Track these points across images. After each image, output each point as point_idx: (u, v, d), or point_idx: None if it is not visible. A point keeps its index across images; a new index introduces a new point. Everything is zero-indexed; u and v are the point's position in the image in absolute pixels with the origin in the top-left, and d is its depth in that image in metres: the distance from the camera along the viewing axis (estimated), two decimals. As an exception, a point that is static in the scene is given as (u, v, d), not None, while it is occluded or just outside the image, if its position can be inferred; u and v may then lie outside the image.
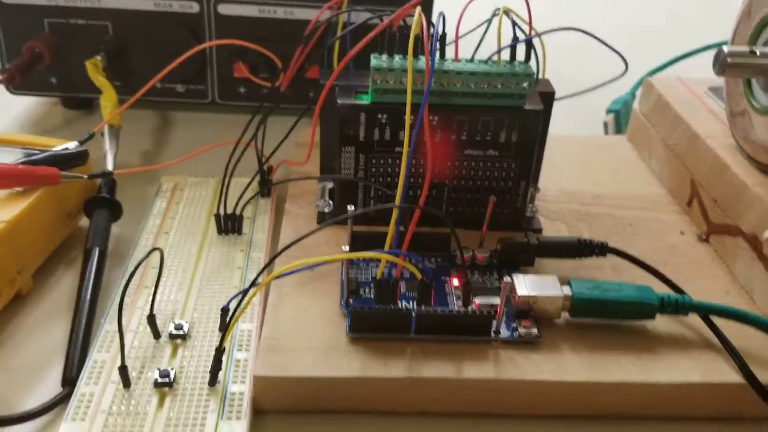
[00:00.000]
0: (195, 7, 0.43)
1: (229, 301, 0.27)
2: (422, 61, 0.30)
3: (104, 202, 0.33)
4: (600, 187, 0.38)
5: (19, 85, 0.43)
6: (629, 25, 0.66)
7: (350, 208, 0.29)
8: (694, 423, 0.26)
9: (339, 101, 0.31)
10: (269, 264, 0.27)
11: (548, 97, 0.33)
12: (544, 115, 0.32)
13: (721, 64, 0.31)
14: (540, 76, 0.34)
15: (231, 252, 0.32)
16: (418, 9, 0.29)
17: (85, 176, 0.32)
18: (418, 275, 0.27)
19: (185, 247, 0.32)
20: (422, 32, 0.29)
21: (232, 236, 0.34)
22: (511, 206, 0.33)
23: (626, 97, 0.50)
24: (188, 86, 0.45)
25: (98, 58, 0.42)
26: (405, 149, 0.27)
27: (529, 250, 0.31)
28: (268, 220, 0.35)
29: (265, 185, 0.37)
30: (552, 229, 0.35)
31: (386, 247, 0.26)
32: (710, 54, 0.50)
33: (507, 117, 0.31)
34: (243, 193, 0.34)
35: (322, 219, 0.34)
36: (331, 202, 0.34)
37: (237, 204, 0.33)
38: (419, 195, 0.29)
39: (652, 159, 0.40)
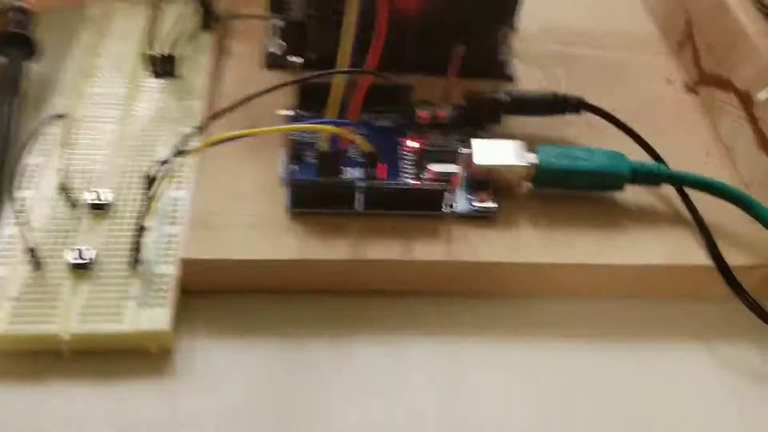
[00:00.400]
0: None
1: (155, 168, 0.24)
2: None
3: (17, 38, 0.29)
4: (584, 22, 0.34)
5: None
6: None
7: (294, 59, 0.25)
8: (657, 301, 0.25)
9: None
10: (205, 126, 0.24)
11: None
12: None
13: None
14: None
15: (163, 102, 0.29)
16: None
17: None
18: (365, 148, 0.24)
19: (112, 94, 0.29)
20: None
21: (165, 81, 0.30)
22: (483, 49, 0.30)
23: None
24: None
25: None
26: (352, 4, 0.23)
27: (497, 108, 0.27)
28: (208, 61, 0.31)
29: (209, 17, 0.32)
30: (527, 75, 0.31)
31: (329, 115, 0.23)
32: None
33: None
34: (193, 30, 0.29)
35: (270, 63, 0.30)
36: (283, 42, 0.30)
37: (172, 41, 0.29)
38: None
39: (646, -10, 0.36)
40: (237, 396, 0.21)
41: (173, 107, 0.29)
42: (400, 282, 0.24)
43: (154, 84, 0.30)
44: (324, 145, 0.24)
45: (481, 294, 0.24)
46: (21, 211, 0.23)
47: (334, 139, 0.24)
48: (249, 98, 0.23)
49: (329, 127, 0.23)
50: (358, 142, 0.23)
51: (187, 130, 0.26)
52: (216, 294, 0.23)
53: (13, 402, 0.21)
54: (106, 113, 0.28)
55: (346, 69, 0.23)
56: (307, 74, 0.26)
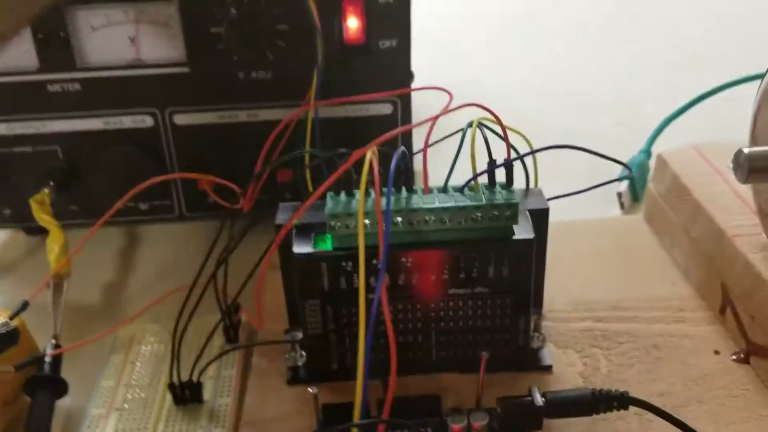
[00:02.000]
0: (149, 121, 0.39)
1: None
2: (383, 203, 0.25)
3: (47, 381, 0.29)
4: (617, 291, 0.33)
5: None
6: (629, 77, 0.60)
7: (311, 390, 0.25)
8: None
9: (296, 251, 0.27)
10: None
11: (541, 215, 0.28)
12: (538, 239, 0.27)
13: (743, 170, 0.26)
14: (531, 185, 0.30)
15: (193, 425, 0.28)
16: (370, 152, 0.24)
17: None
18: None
19: (142, 420, 0.28)
20: (374, 176, 0.24)
21: (192, 407, 0.29)
22: (512, 345, 0.29)
23: (641, 157, 0.45)
24: (152, 203, 0.41)
25: (45, 191, 0.38)
26: (362, 329, 0.23)
27: (535, 413, 0.26)
28: (233, 380, 0.30)
29: (231, 329, 0.32)
30: (563, 361, 0.30)
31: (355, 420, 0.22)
32: (725, 95, 0.45)
33: (493, 250, 0.27)
34: (200, 354, 0.29)
35: (295, 375, 0.30)
36: (303, 354, 0.30)
37: (192, 369, 0.29)
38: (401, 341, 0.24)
39: (675, 248, 0.35)
40: None
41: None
42: None
43: (180, 411, 0.29)
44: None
45: None
46: None
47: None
48: None
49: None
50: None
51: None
52: None
53: None
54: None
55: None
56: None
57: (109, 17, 0.36)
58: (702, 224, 0.32)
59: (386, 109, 0.39)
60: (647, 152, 0.46)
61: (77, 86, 0.38)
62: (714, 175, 0.35)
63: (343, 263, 0.27)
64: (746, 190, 0.32)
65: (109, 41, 0.37)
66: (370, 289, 0.27)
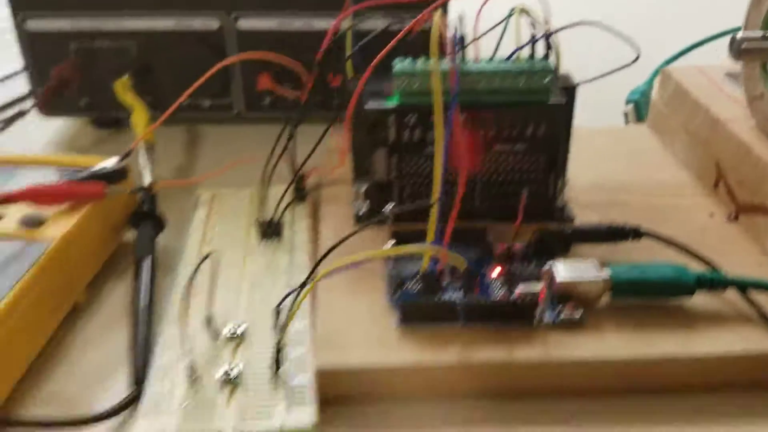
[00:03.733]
0: (215, 24, 0.45)
1: (282, 301, 0.29)
2: (445, 63, 0.31)
3: (149, 216, 0.35)
4: (627, 176, 0.40)
5: (50, 108, 0.46)
6: (640, 15, 0.67)
7: (389, 206, 0.31)
8: (733, 392, 0.28)
9: (367, 106, 0.33)
10: (320, 261, 0.29)
11: (570, 91, 0.35)
12: (568, 108, 0.34)
13: (737, 50, 0.33)
14: (558, 71, 0.36)
15: (274, 257, 0.34)
16: (438, 11, 0.31)
17: (128, 190, 0.34)
18: (463, 266, 0.29)
19: (230, 255, 0.34)
20: (443, 34, 0.31)
21: (273, 241, 0.35)
22: (542, 198, 0.35)
23: (644, 87, 0.52)
24: (214, 100, 0.47)
25: (126, 78, 0.44)
26: (437, 148, 0.29)
27: (565, 238, 0.32)
28: (306, 224, 0.37)
29: (301, 191, 0.38)
30: (584, 218, 0.36)
31: (429, 241, 0.28)
32: (723, 41, 0.51)
33: (532, 112, 0.33)
34: (281, 199, 0.36)
35: (359, 220, 0.36)
36: (367, 202, 0.36)
37: (276, 210, 0.35)
38: (453, 190, 0.30)
39: (675, 145, 0.42)
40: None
41: (282, 261, 0.34)
42: (500, 385, 0.27)
43: (264, 245, 0.35)
44: (426, 267, 0.29)
45: (578, 393, 0.28)
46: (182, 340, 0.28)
47: (433, 262, 0.29)
48: (349, 236, 0.28)
49: (431, 248, 0.28)
50: (456, 260, 0.28)
51: (297, 277, 0.32)
52: (346, 400, 0.27)
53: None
54: (228, 271, 0.33)
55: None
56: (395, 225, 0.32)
57: None
58: (700, 117, 0.39)
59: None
60: (649, 84, 0.53)
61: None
62: (711, 84, 0.42)
63: (407, 118, 0.33)
64: (739, 96, 0.39)
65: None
66: (427, 143, 0.34)
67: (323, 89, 0.41)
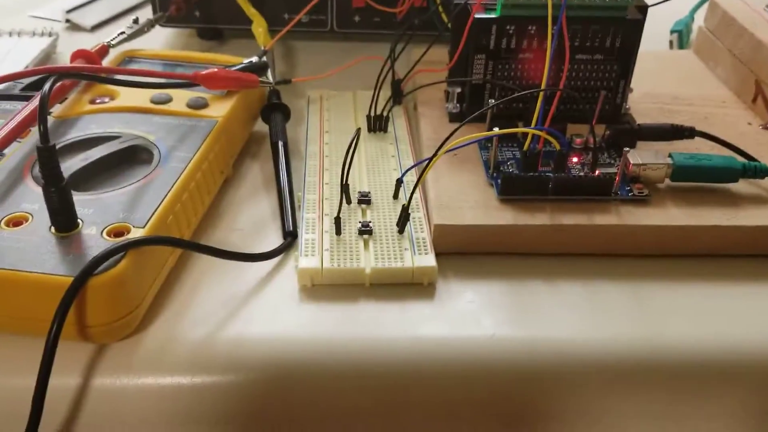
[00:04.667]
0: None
1: (405, 173, 0.34)
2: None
3: (279, 107, 0.40)
4: (676, 90, 0.44)
5: (174, 19, 0.50)
6: None
7: (491, 101, 0.36)
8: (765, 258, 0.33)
9: (476, 15, 0.37)
10: (441, 146, 0.33)
11: (643, 9, 0.39)
12: (641, 24, 0.38)
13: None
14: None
15: (383, 145, 0.39)
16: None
17: (273, 82, 0.39)
18: (557, 146, 0.33)
19: (346, 142, 0.39)
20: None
21: (379, 134, 0.40)
22: (612, 102, 0.40)
23: (686, 18, 0.56)
24: (311, 17, 0.52)
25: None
26: (548, 47, 0.34)
27: (633, 134, 0.37)
28: (404, 122, 0.41)
29: (399, 94, 0.43)
30: (641, 122, 0.41)
31: (533, 125, 0.33)
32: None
33: (612, 26, 0.38)
34: (388, 101, 0.40)
35: (452, 118, 0.41)
36: (458, 104, 0.41)
37: (381, 109, 0.40)
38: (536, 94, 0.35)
39: (719, 68, 0.46)
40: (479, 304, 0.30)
41: (390, 149, 0.39)
42: (584, 244, 0.33)
43: (372, 136, 0.40)
44: (527, 147, 0.34)
45: (644, 254, 0.33)
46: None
47: (534, 141, 0.34)
48: (455, 130, 0.33)
49: (533, 130, 0.33)
50: (554, 141, 0.33)
51: (405, 161, 0.36)
52: (456, 255, 0.32)
53: (335, 313, 0.29)
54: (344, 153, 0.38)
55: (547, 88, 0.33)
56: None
57: None
58: (744, 41, 0.44)
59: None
60: (691, 16, 0.57)
61: None
62: (754, 12, 0.46)
63: (508, 27, 0.38)
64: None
65: None
66: (521, 50, 0.38)
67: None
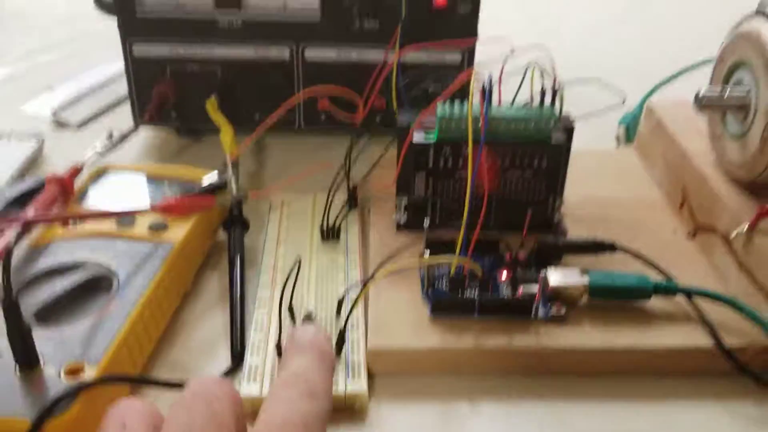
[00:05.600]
0: (286, 54, 0.52)
1: (344, 294, 0.37)
2: (476, 109, 0.38)
3: (238, 220, 0.42)
4: (613, 193, 0.47)
5: (151, 119, 0.53)
6: (631, 51, 0.73)
7: (426, 221, 0.38)
8: (678, 378, 0.35)
9: (414, 141, 0.40)
10: (376, 271, 0.36)
11: (569, 132, 0.41)
12: (566, 146, 0.41)
13: (699, 104, 0.39)
14: (561, 115, 0.43)
15: (334, 255, 0.42)
16: (474, 73, 0.37)
17: (229, 200, 0.41)
18: (479, 272, 0.36)
19: (300, 252, 0.42)
20: (475, 94, 0.37)
21: (332, 241, 0.43)
22: (543, 214, 0.42)
23: (633, 112, 0.58)
24: (281, 116, 0.54)
25: (213, 98, 0.51)
26: (468, 181, 0.36)
27: (558, 249, 0.39)
28: (357, 228, 0.44)
29: (353, 201, 0.45)
30: (576, 230, 0.43)
31: (456, 253, 0.35)
32: (705, 68, 0.57)
33: (538, 149, 0.40)
34: (341, 210, 0.43)
35: (399, 228, 0.43)
36: (406, 213, 0.43)
37: (336, 217, 0.43)
38: (477, 207, 0.37)
39: (654, 169, 0.49)
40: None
41: (340, 259, 0.41)
42: (506, 365, 0.35)
43: (325, 244, 0.42)
44: (453, 272, 0.36)
45: (562, 372, 0.35)
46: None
47: (459, 268, 0.36)
48: (387, 260, 0.35)
49: (457, 259, 0.35)
50: (475, 268, 0.35)
51: (352, 272, 0.39)
52: (389, 375, 0.35)
53: None
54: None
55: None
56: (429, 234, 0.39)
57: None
58: (674, 150, 0.46)
59: (456, 57, 0.52)
60: (639, 108, 0.59)
61: (239, 23, 0.50)
62: (686, 118, 0.48)
63: (444, 150, 0.40)
64: (703, 127, 0.45)
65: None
66: (458, 169, 0.41)
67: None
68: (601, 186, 0.47)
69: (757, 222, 0.37)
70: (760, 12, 0.38)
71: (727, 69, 0.40)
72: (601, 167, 0.50)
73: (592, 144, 0.53)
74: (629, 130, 0.56)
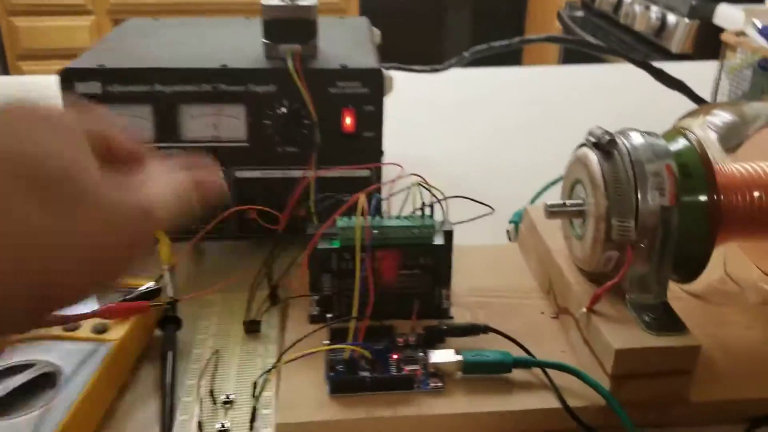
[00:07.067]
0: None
1: (258, 378, 0.42)
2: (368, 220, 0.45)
3: (172, 320, 0.48)
4: (495, 283, 0.53)
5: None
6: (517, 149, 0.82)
7: (328, 316, 0.44)
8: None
9: (319, 247, 0.47)
10: (281, 356, 0.42)
11: (448, 235, 0.48)
12: (447, 247, 0.48)
13: (547, 212, 0.47)
14: (442, 221, 0.50)
15: (254, 346, 0.47)
16: (363, 196, 0.44)
17: (163, 304, 0.47)
18: (368, 355, 0.42)
19: (225, 344, 0.47)
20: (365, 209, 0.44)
21: (254, 335, 0.48)
22: (431, 303, 0.49)
23: (521, 211, 0.66)
24: (216, 225, 0.61)
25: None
26: (356, 282, 0.43)
27: (442, 333, 0.46)
28: (278, 321, 0.50)
29: (275, 298, 0.52)
30: (460, 314, 0.49)
31: (349, 340, 0.42)
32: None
33: (423, 250, 0.47)
34: (267, 305, 0.49)
35: (312, 320, 0.49)
36: (318, 308, 0.49)
37: (258, 312, 0.49)
38: (376, 300, 0.43)
39: (530, 261, 0.56)
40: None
41: (260, 348, 0.47)
42: (393, 430, 0.40)
43: (248, 337, 0.48)
44: (347, 356, 0.42)
45: (440, 435, 0.41)
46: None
47: (352, 352, 0.42)
48: (303, 337, 0.41)
49: (350, 347, 0.41)
50: (364, 352, 0.41)
51: (269, 360, 0.45)
52: (294, 444, 0.40)
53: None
54: (224, 357, 0.46)
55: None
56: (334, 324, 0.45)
57: (203, 110, 0.56)
58: (542, 246, 0.53)
59: (365, 173, 0.59)
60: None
61: (176, 151, 0.58)
62: (550, 222, 0.55)
63: (345, 254, 0.47)
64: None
65: (199, 124, 0.57)
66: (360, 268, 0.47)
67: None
68: (486, 277, 0.54)
69: (593, 304, 0.44)
70: (588, 140, 0.46)
71: (570, 184, 0.48)
72: (488, 261, 0.57)
73: (497, 239, 0.61)
74: (517, 227, 0.64)
